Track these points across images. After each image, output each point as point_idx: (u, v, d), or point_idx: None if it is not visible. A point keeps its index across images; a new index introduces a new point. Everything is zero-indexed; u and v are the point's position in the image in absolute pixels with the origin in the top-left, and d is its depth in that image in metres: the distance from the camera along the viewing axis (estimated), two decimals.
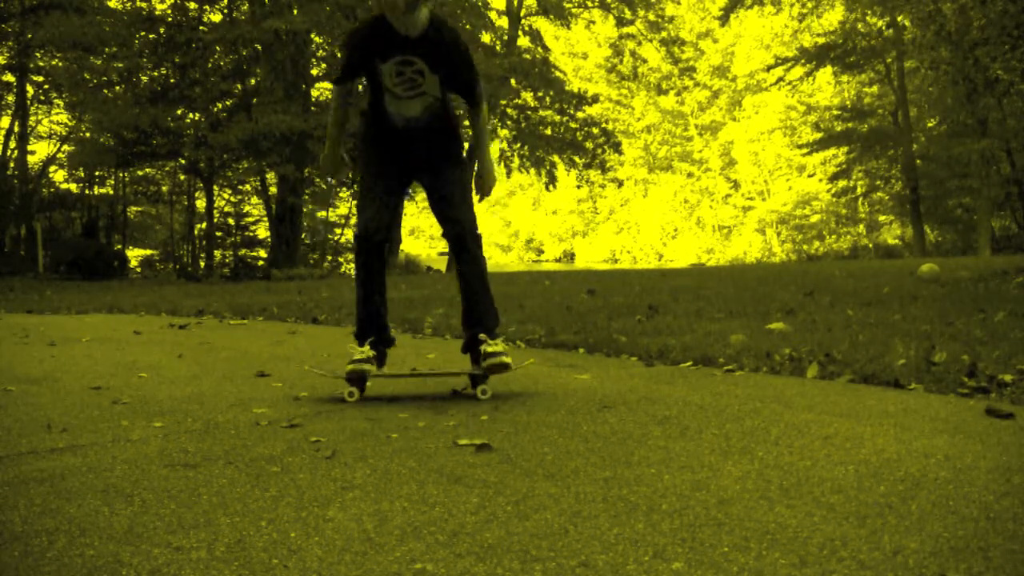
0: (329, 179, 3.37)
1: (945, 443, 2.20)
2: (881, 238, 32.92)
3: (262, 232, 22.94)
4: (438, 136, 3.10)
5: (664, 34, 28.01)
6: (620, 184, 34.67)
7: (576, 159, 24.43)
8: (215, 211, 21.78)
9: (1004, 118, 18.72)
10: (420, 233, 56.10)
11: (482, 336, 3.05)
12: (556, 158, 24.62)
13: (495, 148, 24.84)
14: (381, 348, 3.16)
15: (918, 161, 26.40)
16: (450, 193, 3.09)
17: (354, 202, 23.87)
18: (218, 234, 22.11)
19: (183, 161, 19.50)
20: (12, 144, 21.19)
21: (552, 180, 25.29)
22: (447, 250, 26.94)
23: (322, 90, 21.61)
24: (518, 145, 24.25)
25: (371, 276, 3.10)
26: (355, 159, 3.32)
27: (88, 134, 21.32)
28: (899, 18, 22.81)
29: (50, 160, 22.37)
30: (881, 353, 3.55)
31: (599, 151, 24.48)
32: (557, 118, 24.20)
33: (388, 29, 2.89)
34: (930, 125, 27.29)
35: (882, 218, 33.12)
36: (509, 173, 25.86)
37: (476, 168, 3.24)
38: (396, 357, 4.32)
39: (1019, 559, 1.42)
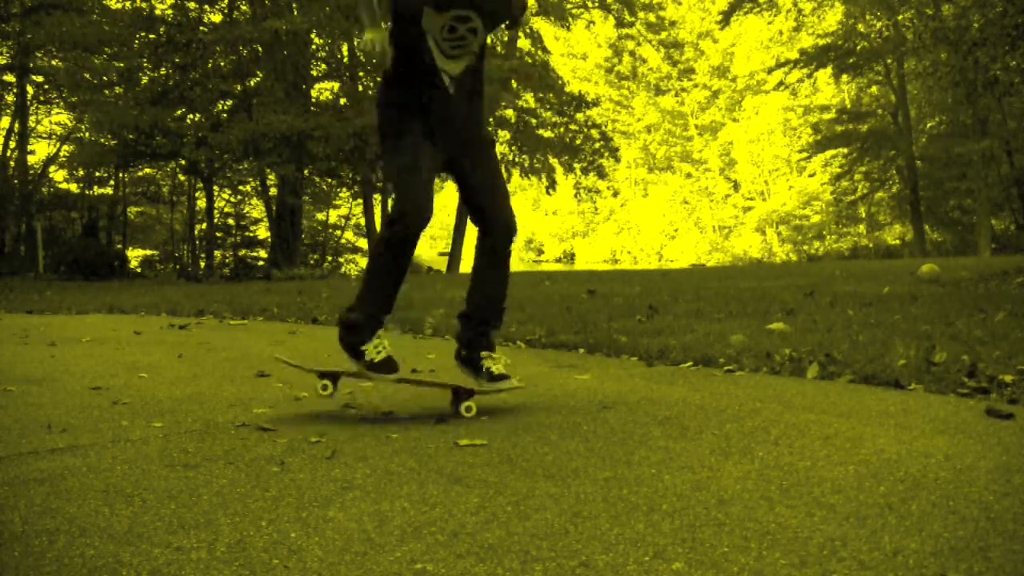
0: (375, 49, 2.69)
1: (945, 443, 2.20)
2: (881, 238, 32.90)
3: (262, 232, 22.94)
4: (475, 99, 2.77)
5: (664, 35, 27.99)
6: (616, 194, 34.59)
7: (575, 164, 24.36)
8: (215, 211, 21.77)
9: (1004, 118, 18.72)
10: None
11: (484, 354, 2.87)
12: (555, 162, 24.55)
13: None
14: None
15: (918, 162, 26.39)
16: (501, 181, 2.79)
17: (355, 202, 23.90)
18: (218, 234, 22.10)
19: (183, 161, 19.49)
20: (12, 144, 21.18)
21: (552, 184, 25.24)
22: (447, 250, 26.79)
23: (321, 90, 21.60)
24: (516, 149, 24.20)
25: (401, 272, 2.79)
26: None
27: (88, 134, 21.30)
28: (900, 17, 22.80)
29: (50, 160, 22.35)
30: (881, 353, 3.55)
31: (596, 157, 24.39)
32: (557, 119, 24.16)
33: None
34: (929, 126, 27.29)
35: (882, 218, 33.12)
36: (509, 178, 25.80)
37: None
38: (396, 357, 4.31)
39: (1019, 559, 1.42)
